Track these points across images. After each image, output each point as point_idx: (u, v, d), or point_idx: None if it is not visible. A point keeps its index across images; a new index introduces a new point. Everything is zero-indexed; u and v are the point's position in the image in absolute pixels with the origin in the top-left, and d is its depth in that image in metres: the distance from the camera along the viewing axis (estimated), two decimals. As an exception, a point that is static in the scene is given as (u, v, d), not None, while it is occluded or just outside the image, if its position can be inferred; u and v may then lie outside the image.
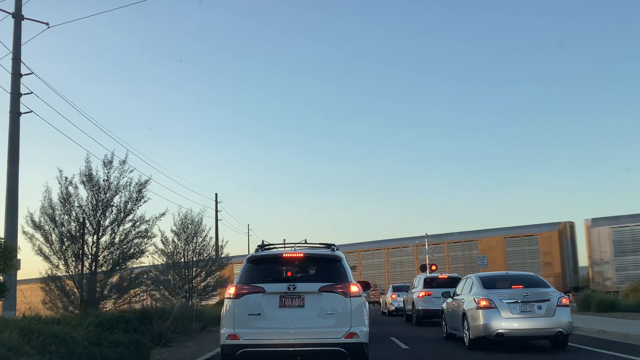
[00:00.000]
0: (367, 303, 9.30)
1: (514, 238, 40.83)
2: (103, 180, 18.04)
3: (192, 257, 29.60)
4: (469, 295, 13.22)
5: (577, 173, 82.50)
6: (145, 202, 18.83)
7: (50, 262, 17.56)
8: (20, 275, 18.76)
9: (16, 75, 18.91)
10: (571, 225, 40.91)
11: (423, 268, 39.07)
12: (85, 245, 17.37)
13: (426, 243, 43.26)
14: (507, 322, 11.89)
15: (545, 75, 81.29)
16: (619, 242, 35.66)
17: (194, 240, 29.73)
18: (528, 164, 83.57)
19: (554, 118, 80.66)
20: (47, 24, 20.38)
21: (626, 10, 74.16)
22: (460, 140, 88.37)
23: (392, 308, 29.54)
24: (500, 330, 11.87)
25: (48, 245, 17.53)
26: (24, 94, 18.94)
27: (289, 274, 9.11)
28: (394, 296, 29.64)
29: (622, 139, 78.36)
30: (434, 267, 38.52)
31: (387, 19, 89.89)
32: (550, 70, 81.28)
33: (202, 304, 28.60)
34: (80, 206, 17.77)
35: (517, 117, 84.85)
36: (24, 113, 18.88)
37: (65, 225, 17.60)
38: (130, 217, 18.38)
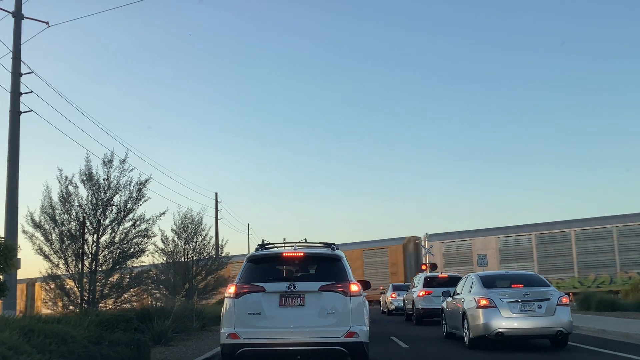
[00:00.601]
0: (367, 302, 9.30)
1: (370, 251, 47.19)
2: (103, 180, 18.05)
3: (192, 257, 29.63)
4: (469, 294, 13.23)
5: (577, 172, 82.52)
6: (145, 201, 18.85)
7: (50, 261, 17.58)
8: (20, 274, 18.78)
9: (16, 75, 18.92)
10: (416, 240, 47.02)
11: (434, 267, 38.97)
12: (85, 245, 17.37)
13: (426, 242, 43.44)
14: (507, 322, 11.89)
15: (545, 74, 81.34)
16: (447, 254, 43.25)
17: (194, 240, 29.75)
18: (529, 163, 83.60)
19: (554, 117, 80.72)
20: (47, 23, 20.42)
21: (627, 8, 74.21)
22: (462, 139, 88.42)
23: (392, 307, 29.55)
24: (500, 330, 11.88)
25: (48, 244, 17.54)
26: (24, 93, 18.96)
27: (289, 273, 9.12)
28: (393, 295, 29.63)
29: (623, 138, 78.41)
30: (423, 267, 38.38)
31: (388, 17, 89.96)
32: (550, 69, 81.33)
33: (202, 303, 28.61)
34: (80, 205, 17.78)
35: (516, 116, 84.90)
36: (24, 112, 18.91)
37: (66, 224, 17.61)
38: (131, 216, 18.40)
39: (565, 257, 38.37)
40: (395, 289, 30.34)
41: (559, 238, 38.89)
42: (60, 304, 17.60)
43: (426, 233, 44.91)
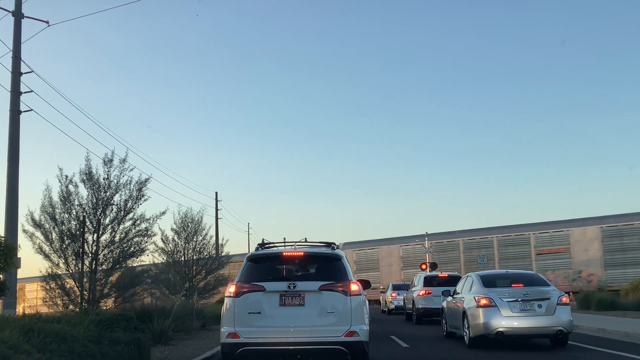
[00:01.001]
0: (367, 302, 9.29)
1: None
2: (103, 179, 18.07)
3: (192, 256, 29.64)
4: (469, 293, 13.23)
5: (582, 171, 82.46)
6: (145, 200, 18.88)
7: (50, 260, 17.58)
8: (21, 273, 18.76)
9: (16, 74, 18.91)
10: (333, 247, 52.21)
11: (434, 266, 39.06)
12: (85, 244, 17.38)
13: (426, 241, 43.52)
14: (507, 321, 11.90)
15: (546, 73, 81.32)
16: (359, 261, 47.52)
17: (194, 239, 29.76)
18: (526, 162, 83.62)
19: (551, 116, 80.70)
20: (47, 22, 20.41)
21: (629, 6, 74.17)
22: (463, 138, 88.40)
23: (392, 306, 29.75)
24: (500, 329, 11.88)
25: (48, 243, 17.54)
26: (24, 93, 18.95)
27: (289, 272, 9.11)
28: (393, 295, 29.85)
29: (626, 136, 78.38)
30: (423, 266, 38.50)
31: (391, 17, 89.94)
32: (551, 67, 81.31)
33: (202, 302, 28.62)
34: (80, 204, 17.79)
35: (520, 114, 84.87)
36: (24, 111, 18.89)
37: (66, 223, 17.61)
38: (131, 215, 18.42)
39: (454, 263, 43.37)
40: (395, 288, 30.58)
41: (450, 247, 44.69)
42: (60, 303, 17.61)
43: (340, 242, 48.44)
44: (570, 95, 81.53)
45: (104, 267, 17.87)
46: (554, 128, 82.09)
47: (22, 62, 19.05)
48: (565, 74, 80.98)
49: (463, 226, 68.49)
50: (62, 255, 17.55)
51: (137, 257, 18.83)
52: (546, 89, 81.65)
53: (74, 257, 17.54)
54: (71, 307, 17.26)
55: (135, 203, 18.47)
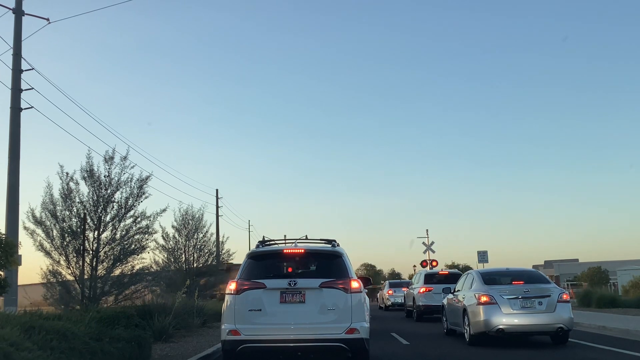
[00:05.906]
0: (367, 299, 9.30)
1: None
2: (104, 176, 18.03)
3: (193, 253, 29.70)
4: (469, 291, 13.24)
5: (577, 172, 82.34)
6: (146, 198, 18.81)
7: (51, 257, 17.56)
8: (21, 270, 18.77)
9: (17, 71, 18.88)
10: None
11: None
12: (86, 241, 17.36)
13: (427, 239, 43.57)
14: (507, 318, 11.91)
15: (546, 74, 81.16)
16: None
17: (195, 236, 29.79)
18: (525, 163, 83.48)
19: (550, 117, 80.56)
20: (47, 19, 20.36)
21: (629, 10, 74.00)
22: (460, 138, 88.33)
23: (389, 303, 31.62)
24: (500, 326, 11.90)
25: (49, 241, 17.51)
26: (25, 90, 18.91)
27: (290, 269, 9.11)
28: (390, 292, 31.80)
29: (624, 135, 78.26)
30: (424, 264, 39.67)
31: (391, 18, 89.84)
32: (551, 69, 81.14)
33: (204, 298, 28.67)
34: (81, 202, 17.74)
35: (518, 115, 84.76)
36: (25, 109, 18.86)
37: (67, 221, 17.58)
38: (131, 213, 18.36)
39: None
40: (392, 285, 32.68)
41: None
42: (61, 300, 17.60)
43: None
44: (563, 96, 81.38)
45: (104, 264, 17.85)
46: (551, 128, 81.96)
47: (22, 60, 19.03)
48: (562, 74, 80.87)
49: (462, 225, 68.19)
50: (62, 252, 17.51)
51: (137, 255, 18.80)
52: (547, 91, 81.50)
53: (75, 255, 17.53)
54: (72, 304, 17.26)
55: (136, 200, 18.44)
